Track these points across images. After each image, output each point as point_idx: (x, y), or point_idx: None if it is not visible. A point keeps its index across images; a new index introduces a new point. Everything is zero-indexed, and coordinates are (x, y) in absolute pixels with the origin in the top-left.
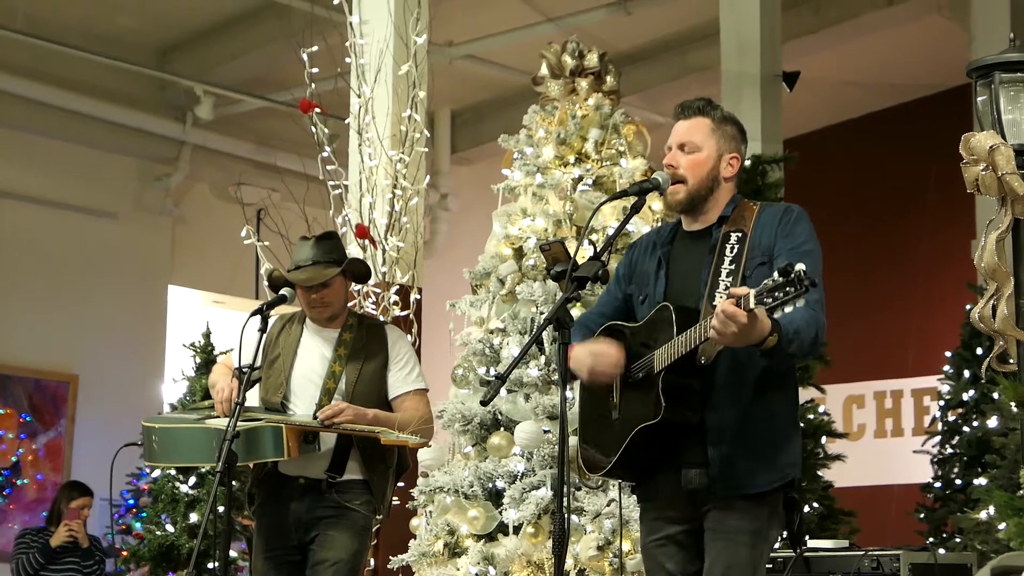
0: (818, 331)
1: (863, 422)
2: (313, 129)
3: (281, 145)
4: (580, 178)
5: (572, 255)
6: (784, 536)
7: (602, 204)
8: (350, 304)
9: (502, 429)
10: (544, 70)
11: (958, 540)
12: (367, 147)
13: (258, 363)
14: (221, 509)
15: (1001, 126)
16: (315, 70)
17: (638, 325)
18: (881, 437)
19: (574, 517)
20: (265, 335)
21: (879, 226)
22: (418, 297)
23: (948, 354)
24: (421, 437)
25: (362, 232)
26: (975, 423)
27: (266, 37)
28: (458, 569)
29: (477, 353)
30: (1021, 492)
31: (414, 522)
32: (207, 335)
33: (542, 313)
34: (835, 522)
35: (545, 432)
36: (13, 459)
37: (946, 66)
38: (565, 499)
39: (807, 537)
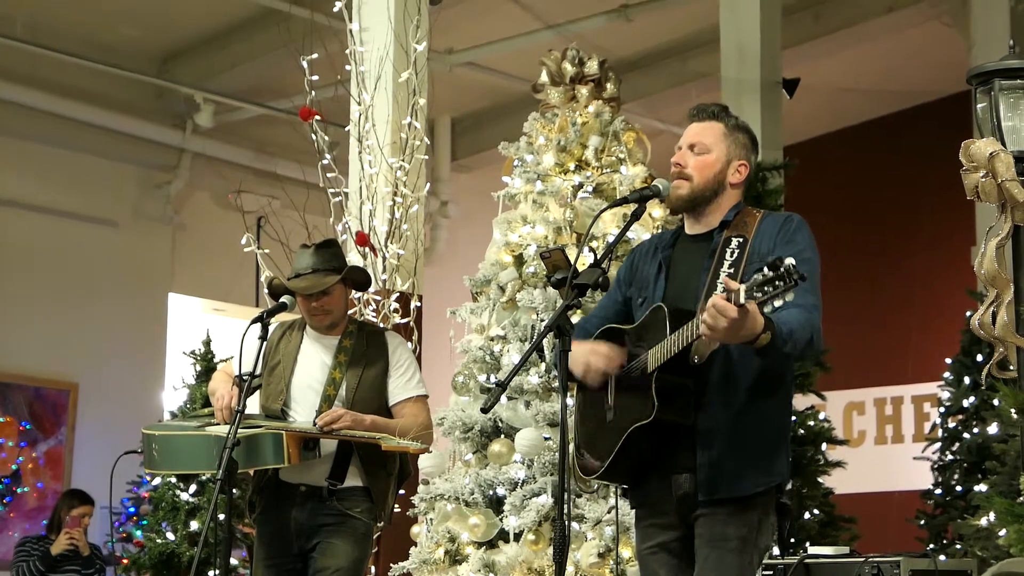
0: (813, 334)
1: (863, 429)
2: (313, 137)
3: (281, 153)
4: (580, 185)
5: (572, 262)
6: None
7: (603, 211)
8: (350, 311)
9: (503, 436)
10: (544, 77)
11: (958, 546)
12: (367, 154)
13: (258, 371)
14: (222, 517)
15: (1001, 133)
16: (315, 77)
17: (634, 327)
18: (881, 444)
19: (575, 524)
20: (265, 342)
21: (879, 233)
22: (418, 304)
23: (948, 360)
24: (421, 443)
25: (362, 239)
26: (975, 429)
27: (266, 45)
28: None
29: (478, 360)
30: (1021, 499)
31: (415, 529)
32: (207, 343)
33: (542, 320)
34: (836, 529)
35: (546, 439)
36: (13, 467)
37: (946, 73)
38: (566, 506)
39: (807, 543)
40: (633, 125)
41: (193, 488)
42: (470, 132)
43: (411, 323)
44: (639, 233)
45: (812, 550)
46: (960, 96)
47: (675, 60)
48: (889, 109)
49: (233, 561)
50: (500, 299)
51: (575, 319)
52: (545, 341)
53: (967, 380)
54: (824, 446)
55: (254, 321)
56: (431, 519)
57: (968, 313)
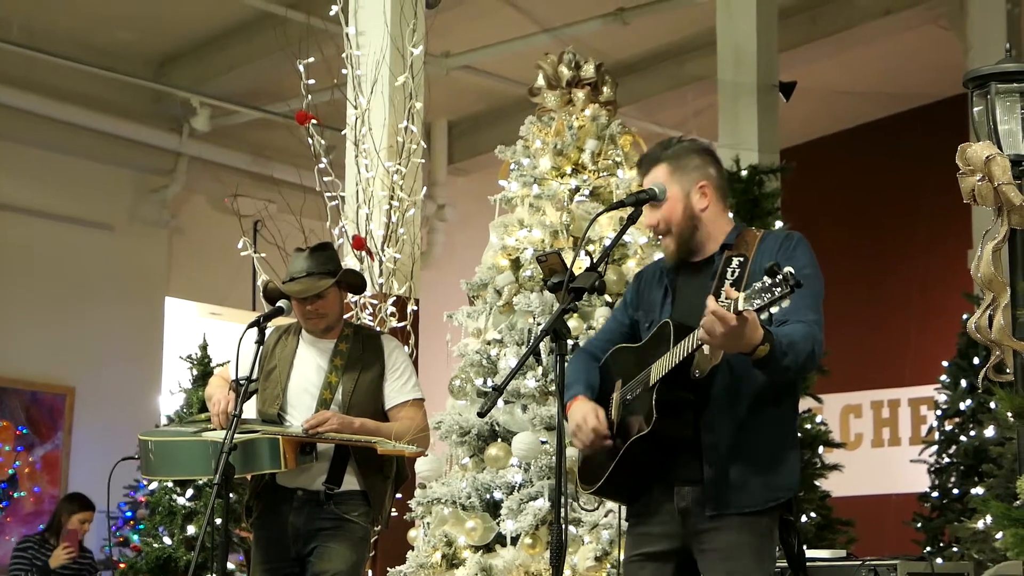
0: (815, 347)
1: (860, 431)
2: (309, 140)
3: (277, 156)
4: (577, 189)
5: (569, 266)
6: (784, 560)
7: (599, 215)
8: (347, 315)
9: (499, 440)
10: (540, 81)
11: (955, 549)
12: (363, 158)
13: (255, 375)
14: (219, 521)
15: (997, 136)
16: (311, 81)
17: (642, 344)
18: (878, 446)
19: (572, 528)
20: (262, 347)
21: (876, 236)
22: (415, 308)
23: (945, 364)
24: (417, 447)
25: (359, 243)
26: (972, 432)
27: (262, 49)
28: None
29: (474, 364)
30: (1018, 502)
31: (412, 533)
32: (204, 347)
33: (539, 324)
34: (832, 532)
35: (543, 443)
36: (10, 472)
37: (942, 76)
38: (563, 510)
39: (804, 547)
40: (630, 128)
41: (190, 492)
42: (467, 135)
43: (408, 327)
44: (635, 236)
45: (809, 554)
46: (957, 99)
47: (671, 63)
48: (886, 112)
49: (230, 565)
50: (497, 303)
51: (572, 323)
52: (542, 345)
53: (964, 383)
54: (821, 449)
55: (250, 326)
56: (428, 523)
57: (965, 316)
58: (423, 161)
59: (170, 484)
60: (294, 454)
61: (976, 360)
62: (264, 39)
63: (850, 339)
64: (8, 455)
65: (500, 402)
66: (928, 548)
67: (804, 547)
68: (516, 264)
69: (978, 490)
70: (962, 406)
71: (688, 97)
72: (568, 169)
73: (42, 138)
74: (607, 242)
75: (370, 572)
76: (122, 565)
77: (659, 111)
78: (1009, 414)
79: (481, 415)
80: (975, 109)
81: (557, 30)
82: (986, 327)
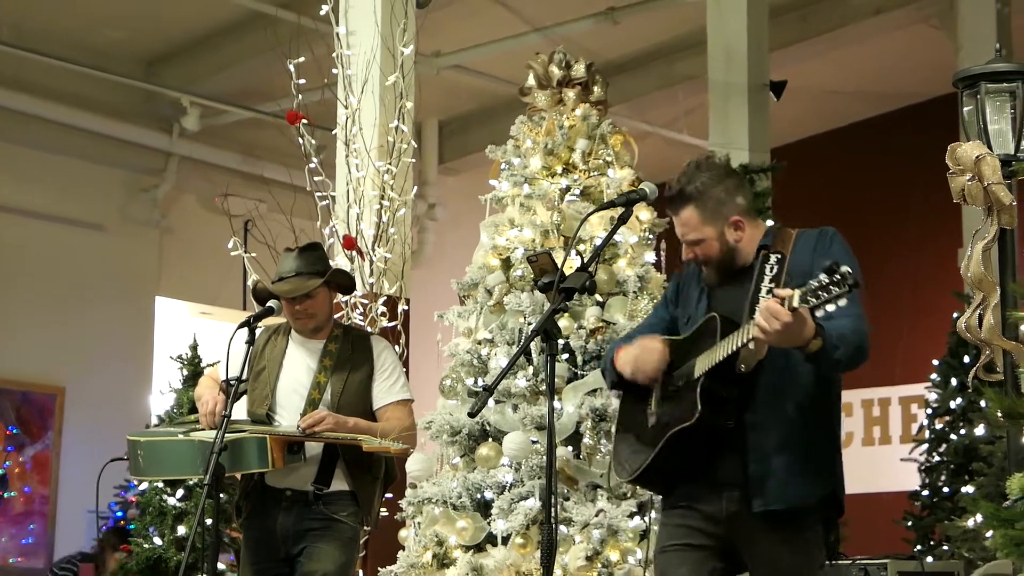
0: (863, 341)
1: (851, 430)
2: (300, 140)
3: (268, 156)
4: (567, 188)
5: (559, 266)
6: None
7: (589, 215)
8: (337, 315)
9: (490, 440)
10: (531, 80)
11: (946, 548)
12: (354, 158)
13: (245, 375)
14: (209, 522)
15: (987, 136)
16: (302, 81)
17: (686, 336)
18: (869, 445)
19: (562, 527)
20: (252, 347)
21: (866, 234)
22: (406, 308)
23: (935, 362)
24: (403, 444)
25: (349, 243)
26: (962, 431)
27: (253, 48)
28: None
29: (465, 364)
30: (1007, 502)
31: (402, 533)
32: (194, 347)
33: (530, 323)
34: None
35: (533, 443)
36: (0, 472)
37: (933, 75)
38: (553, 509)
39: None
40: (620, 128)
41: (180, 493)
42: (457, 135)
43: (398, 326)
44: (626, 236)
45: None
46: (948, 98)
47: (662, 62)
48: (876, 111)
49: (220, 566)
50: (487, 302)
51: (562, 323)
52: (533, 345)
53: (954, 381)
54: None
55: (241, 326)
56: (419, 523)
57: (955, 315)
58: (414, 161)
59: (160, 484)
60: (282, 453)
61: (966, 359)
62: (254, 39)
63: None
64: None
65: (491, 402)
66: (918, 547)
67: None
68: (507, 264)
69: (968, 489)
70: (952, 405)
71: (679, 96)
72: (559, 169)
73: (32, 138)
74: (598, 242)
75: (360, 572)
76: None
77: (650, 110)
78: (999, 414)
79: (472, 415)
80: (965, 109)
81: (547, 29)
82: (976, 326)
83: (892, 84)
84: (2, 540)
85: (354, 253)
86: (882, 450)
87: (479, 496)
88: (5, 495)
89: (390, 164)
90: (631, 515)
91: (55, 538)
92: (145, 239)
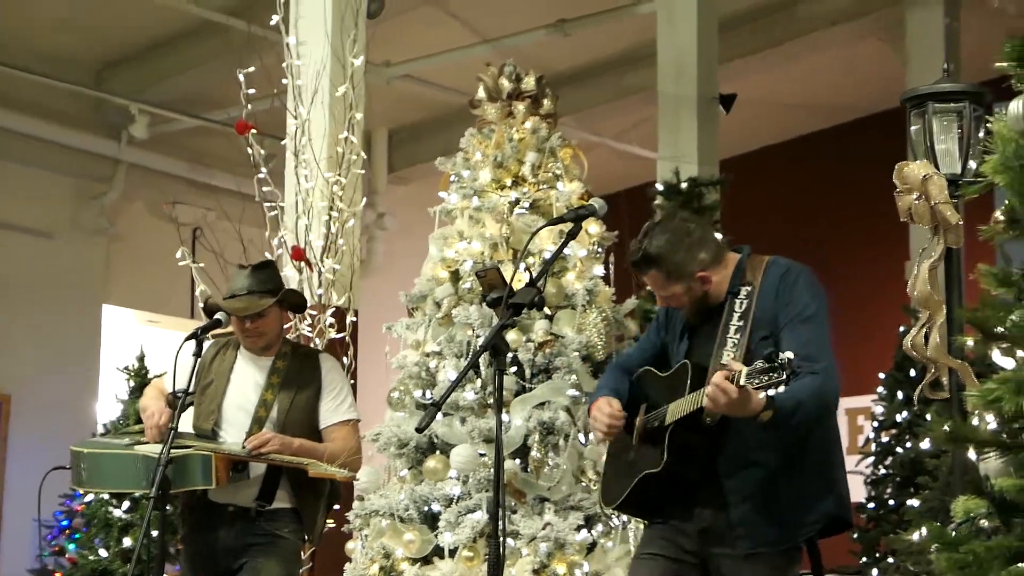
0: (826, 398)
1: None
2: (249, 150)
3: (217, 164)
4: (517, 201)
5: (508, 281)
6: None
7: (539, 230)
8: (287, 326)
9: (438, 452)
10: (481, 93)
11: (891, 561)
12: (303, 169)
13: (192, 388)
14: (155, 533)
15: (934, 155)
16: (251, 91)
17: (664, 376)
18: None
19: (510, 540)
20: (199, 360)
21: (815, 246)
22: (354, 319)
23: (882, 375)
24: (348, 471)
25: (298, 254)
26: (908, 444)
27: (202, 56)
28: None
29: (413, 376)
30: (952, 526)
31: (349, 545)
32: (141, 358)
33: (478, 336)
34: None
35: (481, 456)
36: None
37: (882, 87)
38: (501, 522)
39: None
40: (570, 141)
41: (126, 505)
42: (407, 144)
43: (347, 338)
44: (575, 250)
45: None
46: (897, 111)
47: (612, 74)
48: (826, 123)
49: None
50: (436, 315)
51: (510, 337)
52: (481, 358)
53: (900, 395)
54: None
55: (188, 338)
56: (366, 535)
57: (902, 328)
58: (363, 172)
59: (106, 496)
60: (226, 472)
61: (912, 372)
62: (204, 47)
63: None
64: None
65: (439, 415)
66: (864, 559)
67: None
68: (455, 276)
69: (914, 502)
70: (898, 418)
71: (628, 108)
72: (508, 181)
73: None
74: (547, 255)
75: None
76: (58, 574)
77: (599, 122)
78: (944, 438)
79: (419, 431)
80: (912, 128)
81: (498, 40)
82: (922, 345)
83: (841, 96)
84: None
85: (303, 264)
86: None
87: (426, 509)
88: None
89: (339, 175)
90: (578, 528)
91: (1, 546)
92: (93, 246)
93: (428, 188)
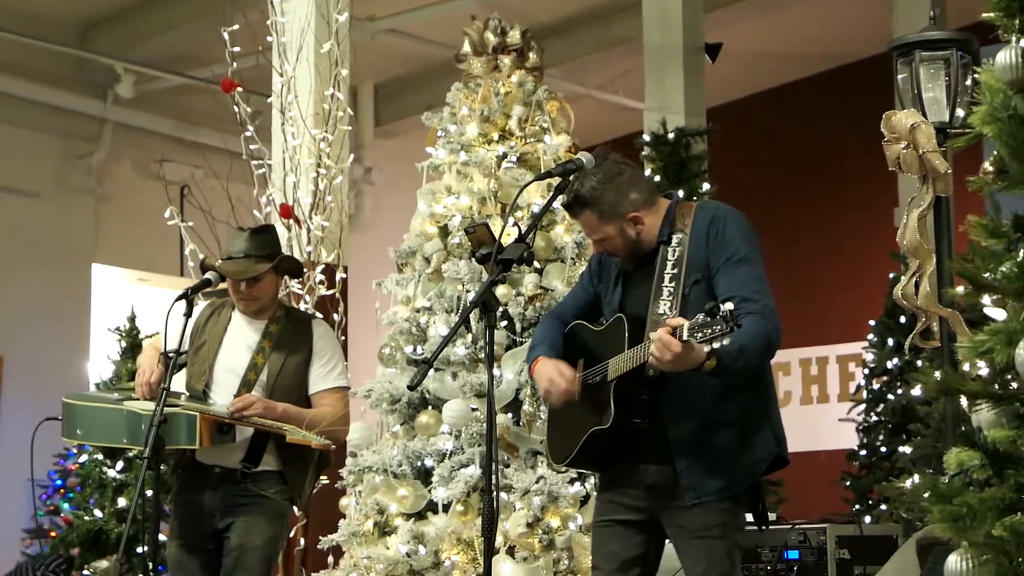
0: (769, 339)
1: (789, 389)
2: (236, 108)
3: (203, 122)
4: (504, 155)
5: (497, 237)
6: (750, 517)
7: (526, 185)
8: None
9: (430, 408)
10: (467, 47)
11: (884, 508)
12: (290, 126)
13: (184, 348)
14: (149, 493)
15: (922, 104)
16: (236, 48)
17: (599, 331)
18: (807, 404)
19: (503, 495)
20: (193, 320)
21: (803, 194)
22: (344, 276)
23: (872, 322)
24: (332, 438)
25: (286, 212)
26: (899, 391)
27: (187, 14)
28: (388, 548)
29: (404, 332)
30: (945, 478)
31: (343, 502)
32: (132, 319)
33: (468, 291)
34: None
35: (473, 410)
36: None
37: (869, 34)
38: (494, 477)
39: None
40: (556, 94)
41: (120, 465)
42: (393, 98)
43: (336, 295)
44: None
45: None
46: (884, 57)
47: (597, 25)
48: (813, 71)
49: (162, 537)
50: (425, 270)
51: (500, 291)
52: (471, 314)
53: (891, 342)
54: None
55: (179, 298)
56: (359, 491)
57: (891, 275)
58: (349, 128)
59: (100, 456)
60: (210, 433)
61: (903, 319)
62: (188, 5)
63: (777, 298)
64: None
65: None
66: (857, 506)
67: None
68: (444, 231)
69: (906, 449)
70: (889, 365)
71: (614, 59)
72: (495, 136)
73: None
74: (535, 208)
75: (302, 541)
76: (53, 534)
77: (585, 73)
78: (935, 390)
79: (412, 388)
80: (899, 76)
81: None
82: (912, 294)
83: (828, 45)
84: None
85: (291, 222)
86: (820, 409)
87: (419, 464)
88: None
89: (326, 132)
90: (571, 481)
91: None
92: (81, 206)
93: (415, 142)
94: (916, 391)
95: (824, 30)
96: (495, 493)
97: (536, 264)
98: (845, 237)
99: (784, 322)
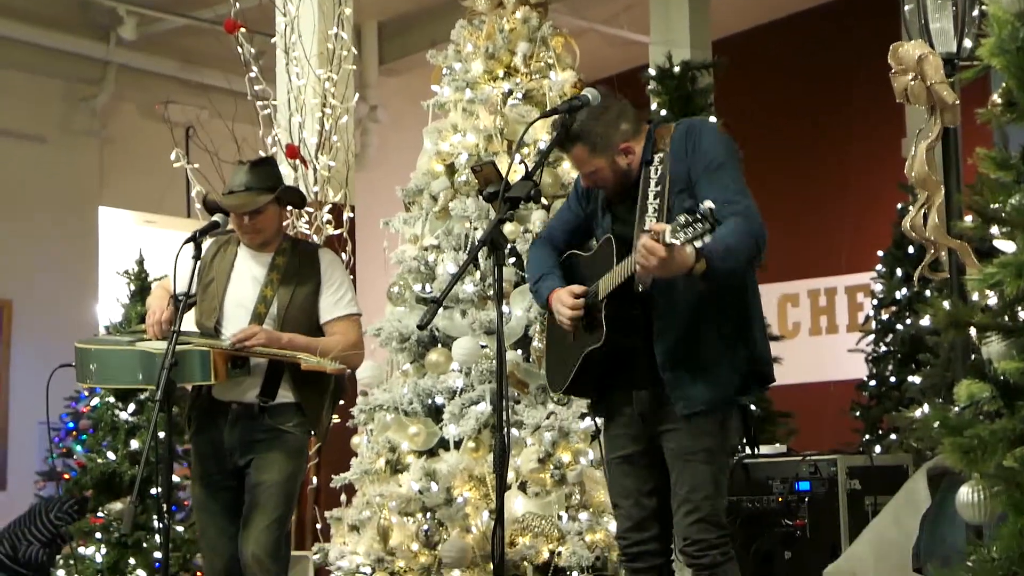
0: (756, 239)
1: (798, 320)
2: (239, 49)
3: (207, 62)
4: (510, 92)
5: (504, 175)
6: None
7: (533, 122)
8: (284, 223)
9: (439, 346)
10: None
11: (894, 438)
12: (294, 66)
13: (193, 290)
14: (161, 435)
15: (929, 35)
16: None
17: (589, 255)
18: (816, 335)
19: (514, 431)
20: (200, 260)
21: (810, 124)
22: (351, 215)
23: (880, 253)
24: (348, 364)
25: (292, 152)
26: (908, 321)
27: None
28: (400, 486)
29: (412, 271)
30: (956, 409)
31: (355, 440)
32: (140, 262)
33: (476, 229)
34: (773, 424)
35: (482, 347)
36: None
37: None
38: (505, 413)
39: (744, 443)
40: (561, 30)
41: (132, 407)
42: (398, 35)
43: (344, 234)
44: None
45: (749, 450)
46: None
47: None
48: (818, 1)
49: (176, 478)
50: (433, 208)
51: (507, 228)
52: (480, 252)
53: (899, 272)
54: None
55: (187, 241)
56: (371, 430)
57: (899, 205)
58: (354, 67)
59: (112, 399)
60: (225, 367)
61: (911, 249)
62: None
63: (786, 229)
64: None
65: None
66: (867, 436)
67: (755, 428)
68: (451, 169)
69: (915, 379)
70: (898, 295)
71: None
72: (500, 73)
73: None
74: (542, 145)
75: (315, 479)
76: (66, 476)
77: (589, 8)
78: (944, 323)
79: (421, 328)
80: (906, 7)
81: None
82: (921, 226)
83: None
84: None
85: (297, 162)
86: (829, 339)
87: (430, 402)
88: None
89: (330, 72)
90: (582, 416)
91: (7, 450)
92: (86, 149)
93: (420, 79)
94: (925, 321)
95: None
96: (506, 429)
97: (543, 200)
98: (853, 168)
99: (792, 253)
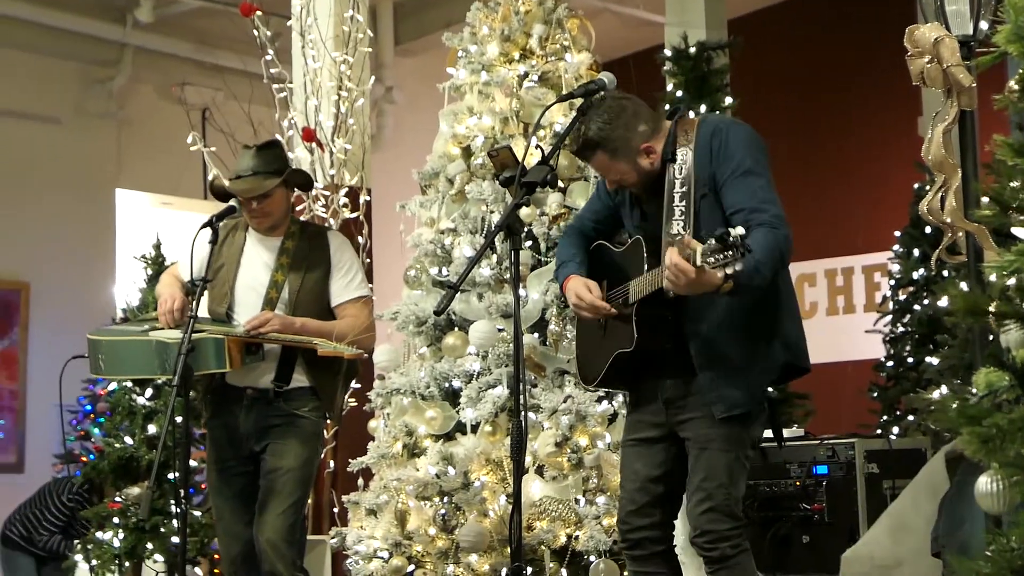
0: (782, 251)
1: (815, 300)
2: (255, 32)
3: (223, 45)
4: (526, 75)
5: (520, 160)
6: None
7: (549, 106)
8: (300, 207)
9: (456, 329)
10: None
11: (911, 419)
12: (310, 49)
13: (207, 275)
14: (179, 420)
15: (945, 17)
16: None
17: (619, 251)
18: (833, 315)
19: (531, 414)
20: (214, 246)
21: (827, 104)
22: (368, 198)
23: (897, 233)
24: (361, 347)
25: (308, 135)
26: (925, 301)
27: None
28: (418, 469)
29: (428, 254)
30: (974, 399)
31: (372, 424)
32: (157, 246)
33: (492, 212)
34: (790, 406)
35: (499, 331)
36: None
37: None
38: (522, 397)
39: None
40: (577, 12)
41: (149, 392)
42: (413, 16)
43: (360, 217)
44: None
45: (766, 433)
46: None
47: None
48: None
49: (193, 463)
50: (449, 192)
51: (523, 212)
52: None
53: (916, 252)
54: None
55: (204, 225)
56: (388, 414)
57: (916, 185)
58: (370, 50)
59: (129, 384)
60: (240, 354)
61: (928, 229)
62: None
63: (802, 208)
64: None
65: None
66: (884, 417)
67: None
68: (467, 152)
69: (932, 360)
70: (915, 275)
71: None
72: (516, 55)
73: None
74: (558, 128)
75: (332, 463)
76: (84, 459)
77: None
78: (963, 312)
79: (438, 313)
80: None
81: None
82: (938, 209)
83: None
84: None
85: (313, 145)
86: (846, 319)
87: (447, 385)
88: None
89: (346, 54)
90: (599, 400)
91: (25, 432)
92: (102, 131)
93: (436, 60)
94: (943, 302)
95: None
96: (523, 413)
97: (560, 183)
98: (869, 146)
99: (809, 232)
